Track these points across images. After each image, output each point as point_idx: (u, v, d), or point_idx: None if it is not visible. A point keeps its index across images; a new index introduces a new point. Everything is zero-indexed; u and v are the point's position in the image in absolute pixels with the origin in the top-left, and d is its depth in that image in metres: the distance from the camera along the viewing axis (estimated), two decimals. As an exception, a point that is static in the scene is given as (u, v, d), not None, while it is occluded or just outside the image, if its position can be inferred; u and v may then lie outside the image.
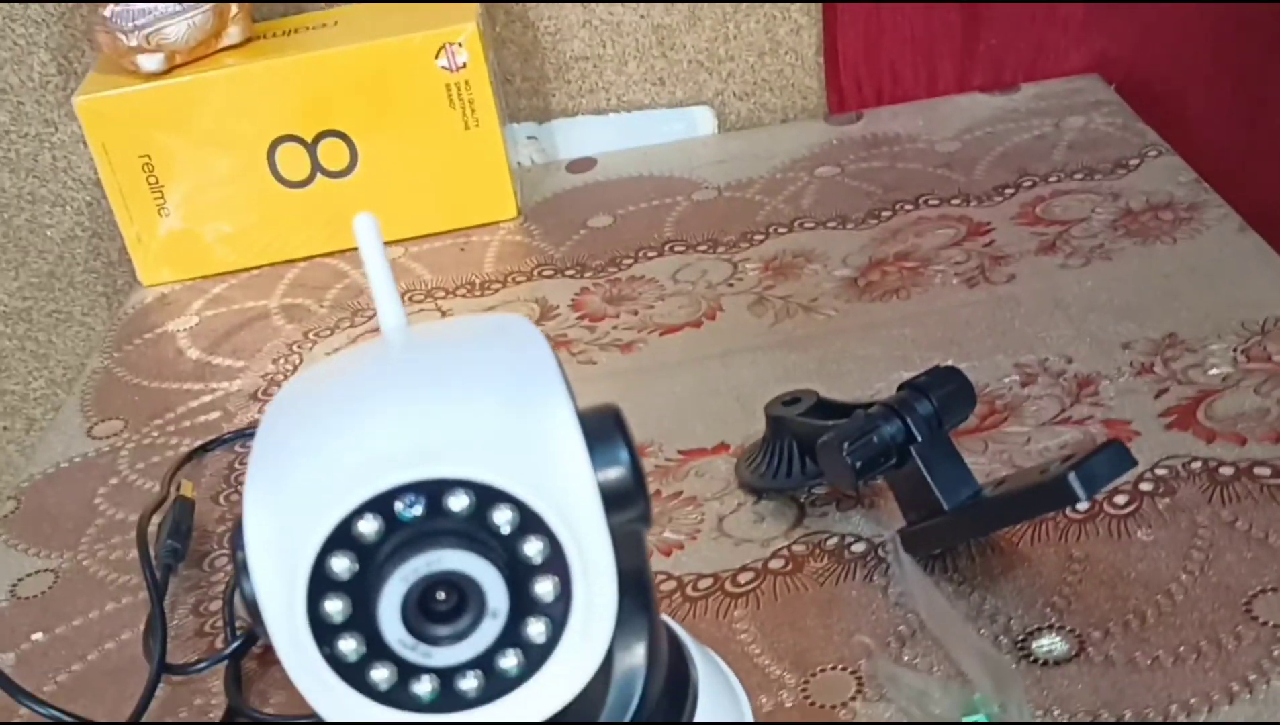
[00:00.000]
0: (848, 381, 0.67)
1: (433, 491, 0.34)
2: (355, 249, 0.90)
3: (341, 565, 0.34)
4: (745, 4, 0.93)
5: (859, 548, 0.57)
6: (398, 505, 0.34)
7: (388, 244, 0.92)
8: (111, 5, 0.82)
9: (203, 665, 0.57)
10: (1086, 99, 0.91)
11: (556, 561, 0.35)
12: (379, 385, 0.38)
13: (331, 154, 0.86)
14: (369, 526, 0.34)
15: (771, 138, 0.95)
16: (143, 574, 0.60)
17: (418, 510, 0.35)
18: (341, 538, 0.34)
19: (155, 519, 0.65)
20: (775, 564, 0.57)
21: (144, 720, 0.54)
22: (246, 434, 0.72)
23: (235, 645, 0.57)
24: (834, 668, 0.51)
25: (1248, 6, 0.91)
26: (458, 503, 0.35)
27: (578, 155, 0.97)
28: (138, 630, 0.60)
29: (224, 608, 0.60)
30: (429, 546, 0.34)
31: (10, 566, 0.66)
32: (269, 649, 0.58)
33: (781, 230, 0.83)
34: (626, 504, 0.38)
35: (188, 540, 0.64)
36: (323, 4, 0.92)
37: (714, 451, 0.65)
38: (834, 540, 0.58)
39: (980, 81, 0.95)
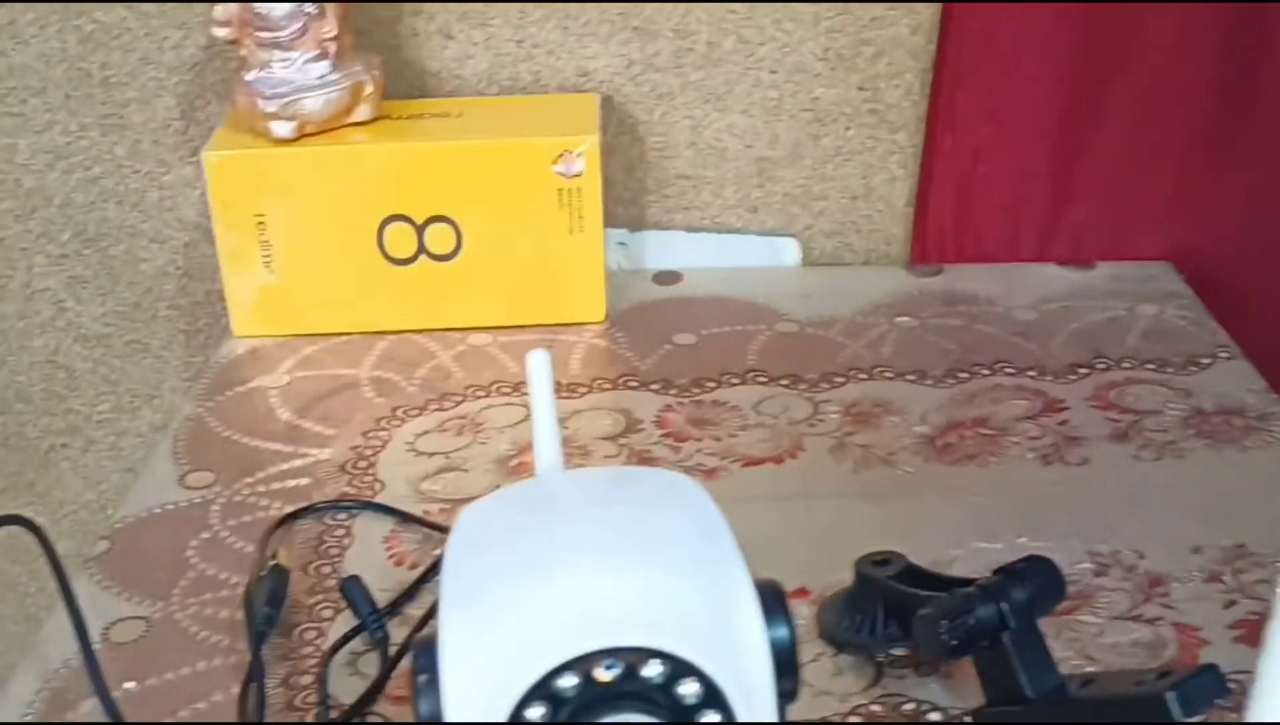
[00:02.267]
0: (927, 543, 0.70)
1: (630, 657, 0.37)
2: (447, 329, 0.93)
3: (536, 713, 0.37)
4: (846, 149, 0.97)
5: (935, 716, 0.60)
6: (598, 668, 0.37)
7: (478, 330, 0.95)
8: (255, 71, 0.85)
9: (298, 741, 0.59)
10: (1160, 287, 0.95)
11: (728, 735, 0.38)
12: (575, 545, 0.41)
13: (438, 237, 0.89)
14: (568, 682, 0.37)
15: (853, 278, 0.98)
16: (248, 640, 0.63)
17: (615, 672, 0.37)
18: (541, 689, 0.37)
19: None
20: (853, 720, 0.60)
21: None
22: (339, 506, 0.75)
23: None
24: (911, 836, 0.54)
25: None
26: (651, 670, 0.37)
27: (665, 267, 1.00)
28: (230, 693, 0.62)
29: (317, 685, 0.62)
30: (621, 709, 0.37)
31: (104, 609, 0.68)
32: (360, 733, 0.61)
33: (862, 376, 0.86)
34: (784, 676, 0.40)
35: (281, 608, 0.67)
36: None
37: (794, 595, 0.67)
38: (910, 706, 0.60)
39: (1059, 253, 0.99)
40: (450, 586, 0.40)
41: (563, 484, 0.45)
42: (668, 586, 0.39)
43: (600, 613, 0.37)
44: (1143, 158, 0.96)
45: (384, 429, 0.82)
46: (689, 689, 0.37)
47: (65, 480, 1.08)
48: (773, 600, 0.41)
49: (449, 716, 0.38)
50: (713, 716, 0.37)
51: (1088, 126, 0.95)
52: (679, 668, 0.37)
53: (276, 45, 0.85)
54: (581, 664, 0.37)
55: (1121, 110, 0.95)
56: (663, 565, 0.40)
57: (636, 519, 0.43)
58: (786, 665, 0.40)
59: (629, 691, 0.37)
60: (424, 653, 0.40)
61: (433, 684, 0.39)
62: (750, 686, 0.38)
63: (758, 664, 0.39)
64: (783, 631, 0.40)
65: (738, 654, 0.38)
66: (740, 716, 0.38)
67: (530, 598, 0.38)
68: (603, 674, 0.37)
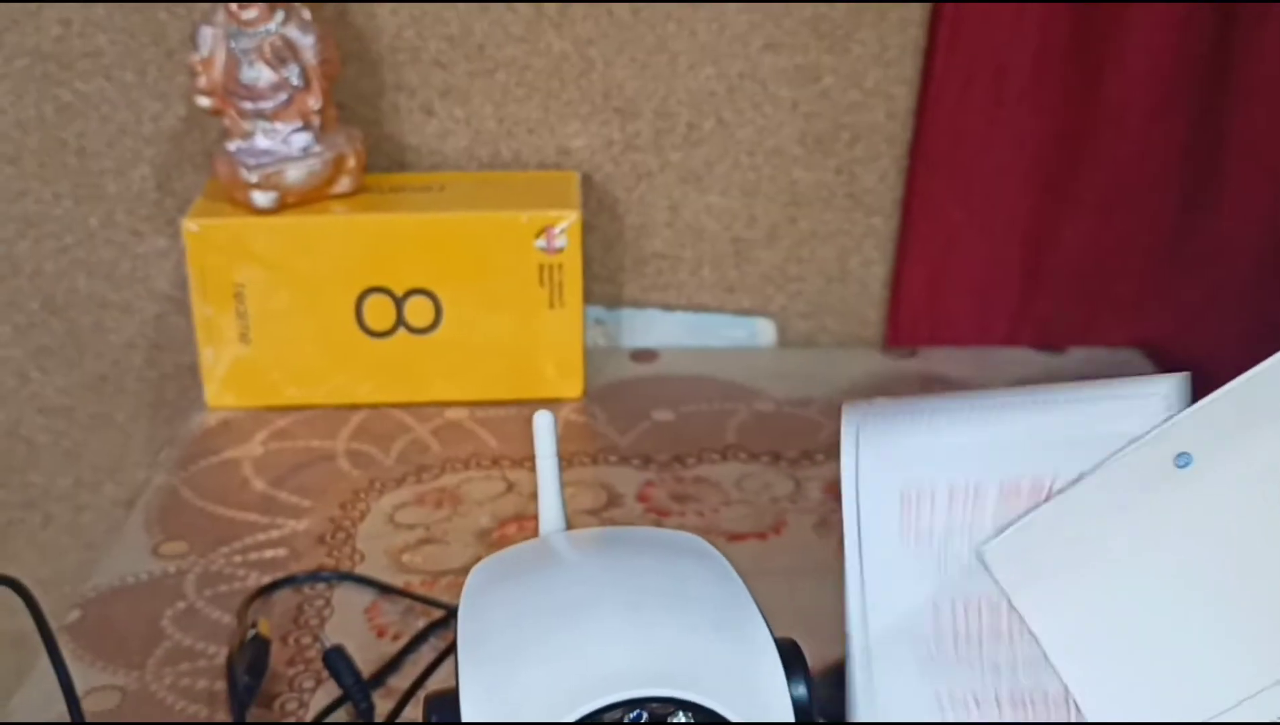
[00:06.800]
0: (914, 618, 0.70)
1: (658, 709, 0.36)
2: (425, 403, 0.92)
3: (563, 764, 0.36)
4: (823, 232, 0.98)
5: (932, 790, 0.59)
6: (627, 718, 0.36)
7: (454, 404, 0.94)
8: (238, 140, 0.85)
9: (281, 814, 0.57)
10: (1130, 371, 0.96)
11: (754, 786, 0.37)
12: (596, 596, 0.40)
13: (418, 310, 0.89)
14: (595, 733, 0.36)
15: (829, 360, 0.99)
16: (230, 710, 0.61)
17: (642, 724, 0.36)
18: (568, 740, 0.36)
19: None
20: (850, 794, 0.59)
21: None
22: (317, 577, 0.73)
23: (317, 799, 0.57)
24: None
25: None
26: (678, 721, 0.37)
27: (641, 345, 1.00)
28: (209, 766, 0.60)
29: (300, 756, 0.60)
30: (649, 760, 0.36)
31: (78, 678, 0.65)
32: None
33: (842, 454, 0.86)
34: (803, 729, 0.40)
35: (262, 679, 0.65)
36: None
37: (784, 669, 0.67)
38: (907, 778, 0.60)
39: (1028, 339, 1.00)
40: (468, 640, 0.40)
41: (572, 542, 0.44)
42: (692, 638, 0.38)
43: (626, 663, 0.37)
44: (1110, 249, 0.98)
45: (361, 501, 0.81)
46: (716, 740, 0.37)
47: (21, 555, 1.05)
48: (792, 657, 0.40)
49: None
50: (737, 770, 0.37)
51: (1057, 217, 0.97)
52: (706, 719, 0.36)
53: (260, 115, 0.85)
54: (608, 714, 0.36)
55: (1090, 202, 0.97)
56: (686, 617, 0.39)
57: (654, 572, 0.42)
58: (808, 720, 0.40)
59: (657, 744, 0.37)
60: (440, 707, 0.39)
61: (451, 738, 0.38)
62: (775, 740, 0.38)
63: (780, 718, 0.38)
64: (802, 688, 0.40)
65: (761, 708, 0.38)
66: (766, 768, 0.37)
67: (553, 648, 0.38)
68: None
